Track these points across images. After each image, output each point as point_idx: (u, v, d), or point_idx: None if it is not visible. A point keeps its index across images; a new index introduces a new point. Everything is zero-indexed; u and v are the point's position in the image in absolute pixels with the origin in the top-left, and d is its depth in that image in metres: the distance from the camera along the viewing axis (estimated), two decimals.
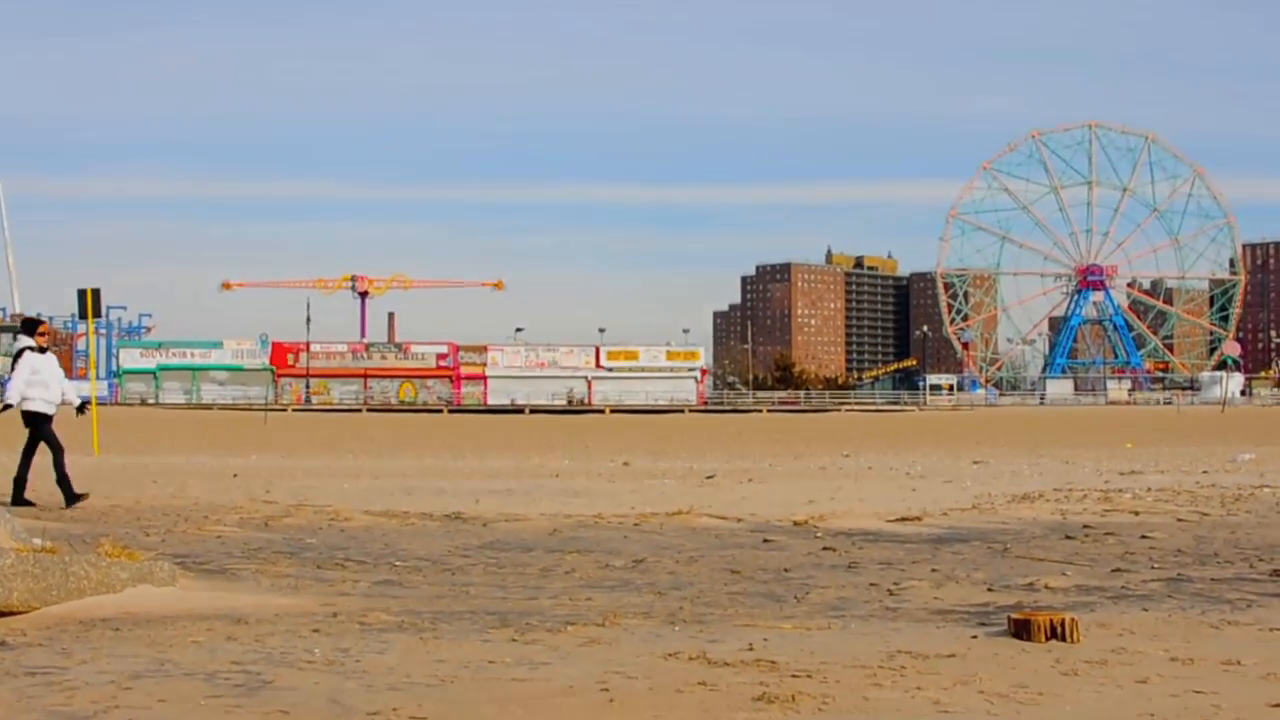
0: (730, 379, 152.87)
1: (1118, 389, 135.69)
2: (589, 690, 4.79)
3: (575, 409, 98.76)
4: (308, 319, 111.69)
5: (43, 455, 12.94)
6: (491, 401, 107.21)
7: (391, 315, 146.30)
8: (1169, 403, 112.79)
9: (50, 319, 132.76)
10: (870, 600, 7.44)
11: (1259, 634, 6.25)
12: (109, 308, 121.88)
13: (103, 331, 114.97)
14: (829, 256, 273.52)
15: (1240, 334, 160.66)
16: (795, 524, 11.80)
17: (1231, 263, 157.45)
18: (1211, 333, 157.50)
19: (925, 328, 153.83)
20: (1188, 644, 5.90)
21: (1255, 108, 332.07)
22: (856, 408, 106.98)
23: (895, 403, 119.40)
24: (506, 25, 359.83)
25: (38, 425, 13.01)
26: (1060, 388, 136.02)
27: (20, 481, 12.79)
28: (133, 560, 7.13)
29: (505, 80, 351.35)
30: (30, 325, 13.27)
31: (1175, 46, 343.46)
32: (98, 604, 6.55)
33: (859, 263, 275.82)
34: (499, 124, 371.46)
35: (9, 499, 12.46)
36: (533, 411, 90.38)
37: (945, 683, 5.00)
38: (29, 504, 12.47)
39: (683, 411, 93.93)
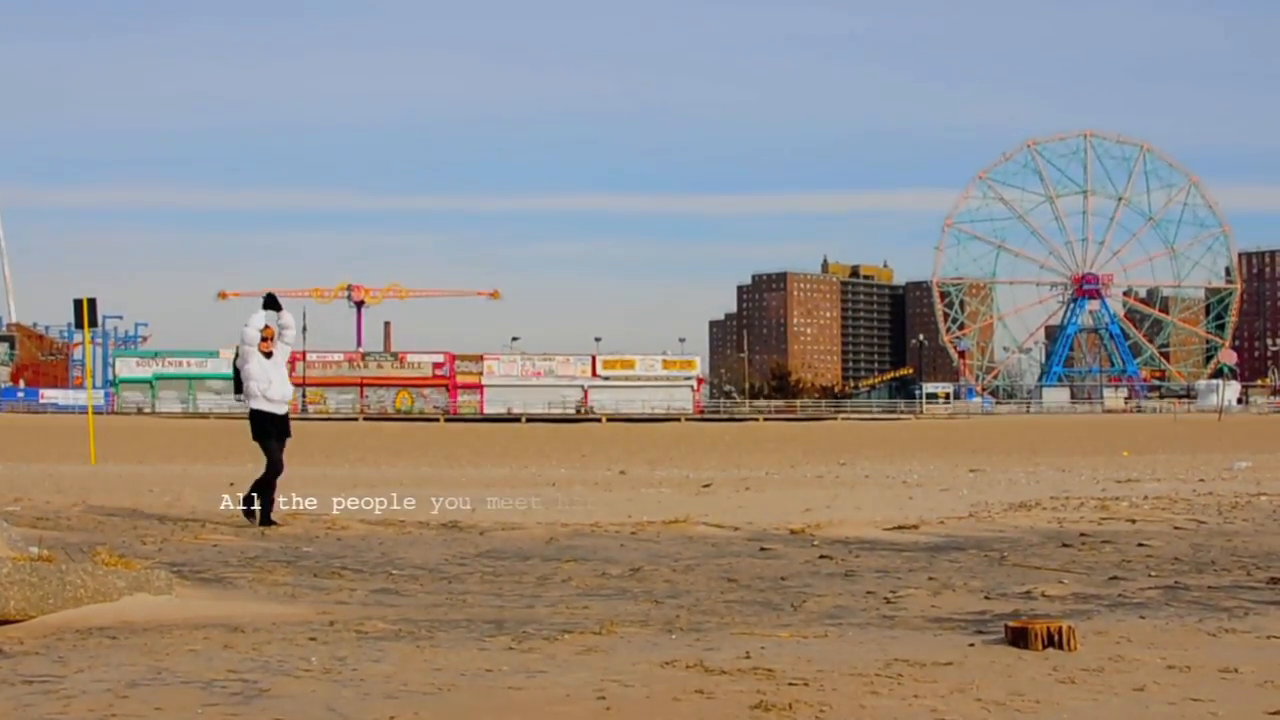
0: (727, 388, 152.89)
1: (1114, 397, 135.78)
2: (586, 698, 4.79)
3: (576, 417, 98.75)
4: (304, 328, 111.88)
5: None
6: (488, 410, 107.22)
7: (388, 324, 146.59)
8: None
9: (46, 329, 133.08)
10: (867, 608, 7.44)
11: (1256, 641, 6.26)
12: (105, 317, 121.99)
13: (99, 341, 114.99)
14: (825, 265, 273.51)
15: (1236, 342, 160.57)
16: (792, 532, 11.79)
17: (1227, 271, 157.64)
18: (1208, 341, 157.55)
19: (921, 336, 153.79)
20: (1185, 652, 5.90)
21: (1251, 117, 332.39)
22: (853, 416, 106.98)
23: (891, 411, 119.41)
24: (500, 33, 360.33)
25: (269, 428, 12.34)
26: (1056, 396, 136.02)
27: (267, 503, 12.14)
28: (129, 569, 7.12)
29: (500, 88, 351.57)
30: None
31: (1171, 55, 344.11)
32: (94, 612, 6.55)
33: (855, 272, 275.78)
34: (494, 133, 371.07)
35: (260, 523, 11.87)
36: (529, 420, 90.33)
37: (942, 691, 5.00)
38: (274, 523, 11.88)
39: (679, 420, 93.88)
